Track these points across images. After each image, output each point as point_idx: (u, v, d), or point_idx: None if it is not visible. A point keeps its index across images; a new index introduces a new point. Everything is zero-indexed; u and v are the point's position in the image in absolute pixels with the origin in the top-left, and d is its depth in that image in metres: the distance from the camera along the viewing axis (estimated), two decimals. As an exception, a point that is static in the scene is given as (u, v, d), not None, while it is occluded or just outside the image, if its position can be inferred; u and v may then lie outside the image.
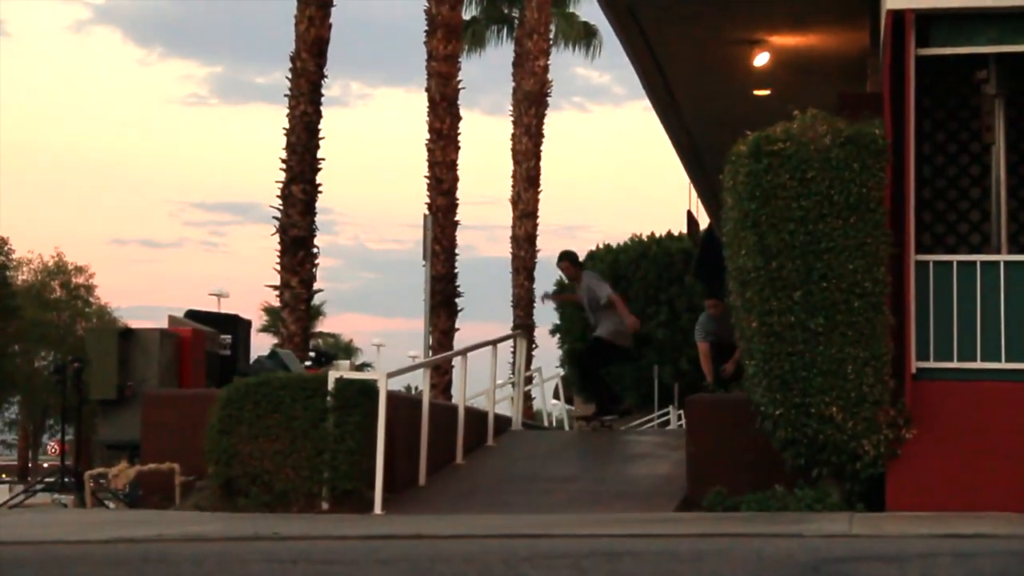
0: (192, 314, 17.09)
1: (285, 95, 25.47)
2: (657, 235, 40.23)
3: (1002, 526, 9.72)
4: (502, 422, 17.50)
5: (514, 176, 36.61)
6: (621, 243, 40.54)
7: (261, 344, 58.84)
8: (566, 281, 17.38)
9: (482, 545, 8.64)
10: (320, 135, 25.49)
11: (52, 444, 70.74)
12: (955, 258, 11.97)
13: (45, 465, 65.59)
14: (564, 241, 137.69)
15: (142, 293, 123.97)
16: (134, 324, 18.98)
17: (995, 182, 12.29)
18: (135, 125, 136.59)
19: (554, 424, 25.54)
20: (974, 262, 11.85)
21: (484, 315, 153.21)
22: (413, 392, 23.21)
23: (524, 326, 32.18)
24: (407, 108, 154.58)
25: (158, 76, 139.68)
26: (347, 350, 72.94)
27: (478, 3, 42.78)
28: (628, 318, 16.89)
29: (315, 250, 25.37)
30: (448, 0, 31.06)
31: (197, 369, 15.89)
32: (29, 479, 40.56)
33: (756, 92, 18.44)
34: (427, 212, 28.40)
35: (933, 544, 8.25)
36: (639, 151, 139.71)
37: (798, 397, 11.39)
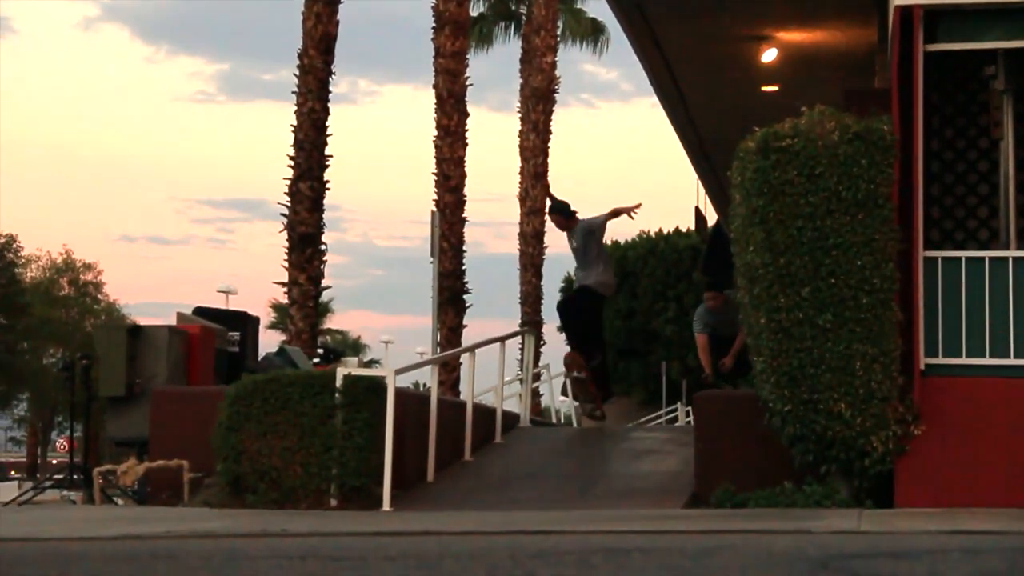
0: (200, 311, 17.12)
1: (293, 92, 25.42)
2: (665, 232, 40.32)
3: (1011, 522, 9.72)
4: (510, 419, 17.47)
5: (521, 173, 36.54)
6: (629, 240, 40.65)
7: (269, 341, 59.06)
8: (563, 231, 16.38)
9: (490, 541, 8.64)
10: (328, 132, 25.44)
11: (61, 441, 70.71)
12: (964, 254, 11.96)
13: (54, 462, 65.72)
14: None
15: (150, 290, 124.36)
16: (142, 321, 18.99)
17: (1004, 178, 12.27)
18: (143, 122, 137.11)
19: (562, 421, 25.48)
20: (983, 258, 11.84)
21: (492, 312, 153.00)
22: (421, 389, 23.20)
23: (532, 323, 32.07)
24: (415, 105, 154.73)
25: (166, 73, 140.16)
26: (355, 347, 72.94)
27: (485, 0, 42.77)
28: (628, 210, 15.95)
29: (323, 247, 25.33)
30: (456, -3, 31.00)
31: (206, 366, 15.93)
32: (38, 476, 40.59)
33: (764, 88, 18.45)
34: (435, 209, 28.35)
35: (942, 540, 8.24)
36: (647, 148, 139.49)
37: (806, 393, 11.38)
